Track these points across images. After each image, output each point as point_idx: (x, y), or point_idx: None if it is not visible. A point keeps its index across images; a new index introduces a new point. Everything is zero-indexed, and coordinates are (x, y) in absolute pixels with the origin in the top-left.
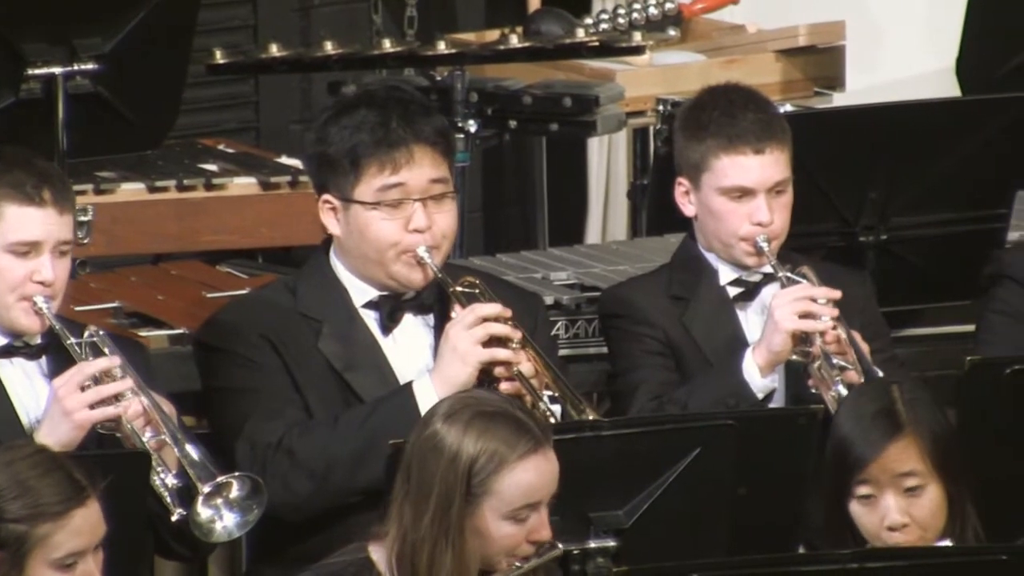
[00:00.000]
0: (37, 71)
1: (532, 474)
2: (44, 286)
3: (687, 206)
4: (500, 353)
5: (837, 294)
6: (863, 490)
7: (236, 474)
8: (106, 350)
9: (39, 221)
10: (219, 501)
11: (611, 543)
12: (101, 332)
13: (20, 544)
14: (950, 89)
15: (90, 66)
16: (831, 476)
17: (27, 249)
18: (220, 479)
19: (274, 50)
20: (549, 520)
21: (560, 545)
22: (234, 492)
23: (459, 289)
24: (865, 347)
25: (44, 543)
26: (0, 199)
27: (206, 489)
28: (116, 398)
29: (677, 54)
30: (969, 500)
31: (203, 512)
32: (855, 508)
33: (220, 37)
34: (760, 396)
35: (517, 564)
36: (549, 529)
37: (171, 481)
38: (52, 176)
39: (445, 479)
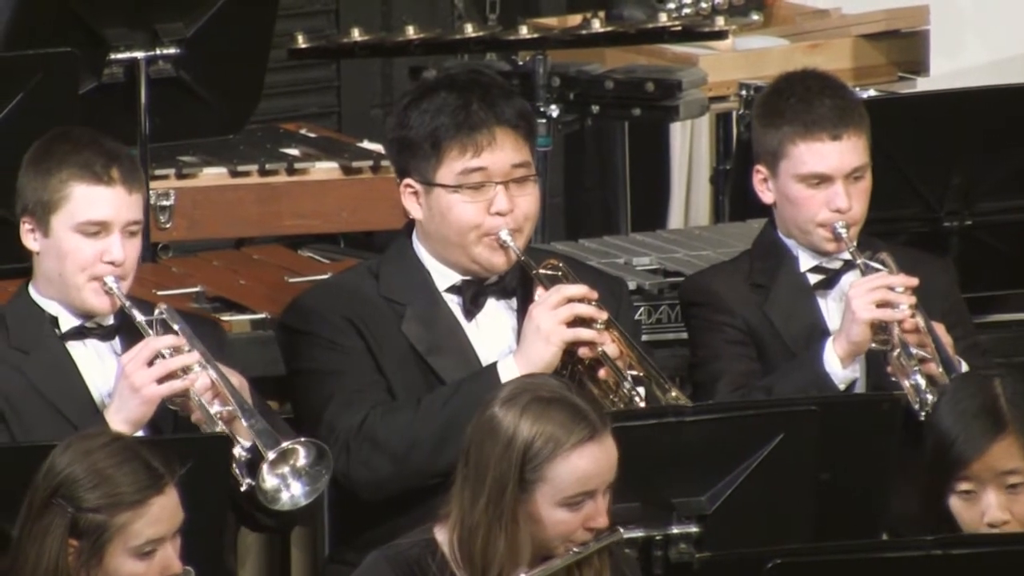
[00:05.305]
0: (119, 56)
1: (586, 462)
2: (114, 266)
3: (765, 193)
4: (584, 333)
5: (914, 282)
6: (964, 486)
7: (301, 439)
8: (175, 326)
9: (108, 200)
10: (286, 470)
11: (693, 529)
12: (171, 309)
13: (99, 533)
14: None
15: (172, 51)
16: (930, 470)
17: (97, 229)
18: (285, 445)
19: (356, 35)
20: (616, 505)
21: (621, 530)
22: (300, 460)
23: (542, 271)
24: (948, 340)
25: (123, 532)
26: (69, 179)
27: (271, 456)
28: (183, 371)
29: (760, 39)
30: None
31: (269, 480)
32: (955, 503)
33: (302, 21)
34: (842, 387)
35: (575, 549)
36: (606, 517)
37: (243, 454)
38: (121, 156)
39: (500, 464)
